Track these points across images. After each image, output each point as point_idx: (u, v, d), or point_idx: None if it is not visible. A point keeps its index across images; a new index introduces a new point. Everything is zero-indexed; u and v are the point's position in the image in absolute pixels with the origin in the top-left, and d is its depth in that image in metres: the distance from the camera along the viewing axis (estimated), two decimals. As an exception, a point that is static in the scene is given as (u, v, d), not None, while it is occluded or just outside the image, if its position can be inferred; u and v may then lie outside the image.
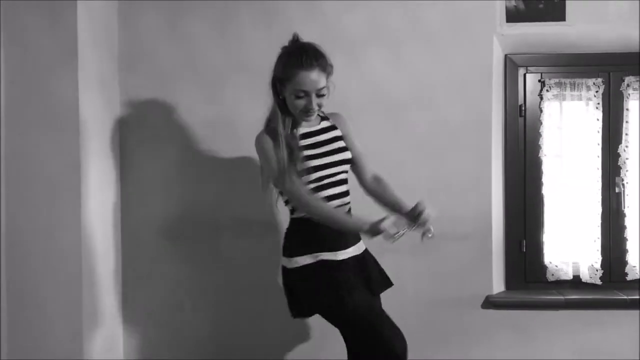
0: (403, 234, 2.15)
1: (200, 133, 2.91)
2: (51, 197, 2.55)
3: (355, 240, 2.37)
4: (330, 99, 2.81)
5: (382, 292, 2.43)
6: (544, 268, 3.04)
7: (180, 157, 2.92)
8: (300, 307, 2.28)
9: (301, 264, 2.26)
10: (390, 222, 2.14)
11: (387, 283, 2.45)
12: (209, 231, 2.92)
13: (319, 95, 2.23)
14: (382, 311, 2.31)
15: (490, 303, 2.91)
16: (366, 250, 2.43)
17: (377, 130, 2.89)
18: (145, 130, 2.92)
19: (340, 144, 2.37)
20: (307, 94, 2.21)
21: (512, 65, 3.02)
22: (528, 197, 3.04)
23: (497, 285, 2.97)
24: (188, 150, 2.91)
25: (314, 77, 2.19)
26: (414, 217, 2.22)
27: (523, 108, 3.04)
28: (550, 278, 3.02)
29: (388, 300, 2.88)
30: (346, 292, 2.21)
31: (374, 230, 2.14)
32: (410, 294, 2.91)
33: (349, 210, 2.38)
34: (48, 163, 2.55)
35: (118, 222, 2.93)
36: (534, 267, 3.04)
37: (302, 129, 2.33)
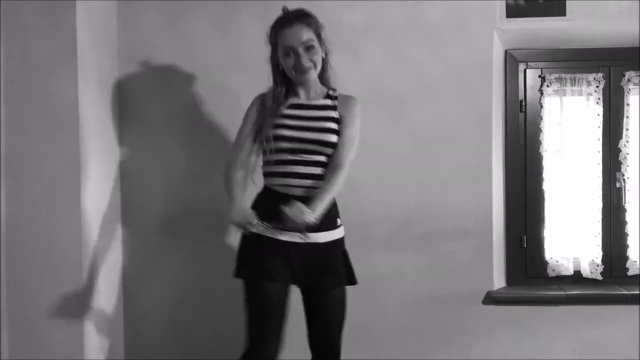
0: (256, 229, 2.16)
1: (200, 131, 2.90)
2: (51, 196, 2.55)
3: (317, 227, 2.21)
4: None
5: (325, 288, 2.28)
6: (544, 263, 3.04)
7: (180, 155, 2.92)
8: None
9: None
10: (241, 215, 2.15)
11: (338, 282, 2.29)
12: (209, 228, 2.91)
13: (308, 49, 2.23)
14: (281, 311, 2.23)
15: (491, 299, 2.91)
16: (333, 243, 2.30)
17: (377, 126, 2.89)
18: (145, 129, 2.92)
19: (327, 125, 2.27)
20: (294, 50, 2.22)
21: (512, 61, 3.02)
22: (528, 192, 3.04)
23: (498, 281, 2.98)
24: (188, 148, 2.91)
25: (296, 31, 2.21)
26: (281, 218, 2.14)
27: (523, 103, 3.03)
28: (551, 273, 3.02)
29: (389, 297, 2.91)
30: (255, 276, 2.21)
31: (231, 219, 2.18)
32: (410, 290, 2.91)
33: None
34: (48, 162, 2.55)
35: (118, 219, 2.93)
36: (534, 262, 3.05)
37: (297, 100, 2.31)
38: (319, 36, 2.27)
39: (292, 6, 2.71)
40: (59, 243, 2.56)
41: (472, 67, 2.89)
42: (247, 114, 2.35)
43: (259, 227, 2.16)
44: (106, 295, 2.79)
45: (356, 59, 2.89)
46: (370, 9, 2.88)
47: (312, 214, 2.10)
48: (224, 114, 2.88)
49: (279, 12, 2.83)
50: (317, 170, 2.26)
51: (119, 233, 2.94)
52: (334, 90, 2.37)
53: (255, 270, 2.21)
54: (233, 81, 2.87)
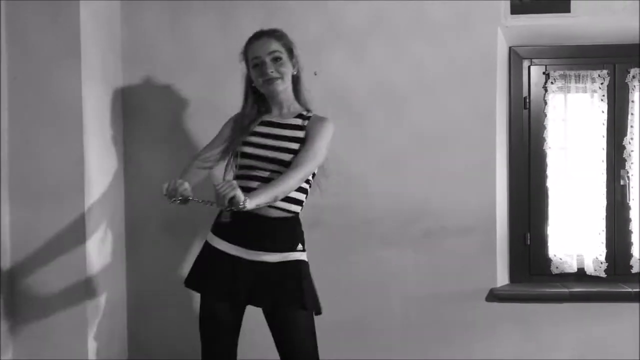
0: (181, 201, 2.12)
1: (202, 128, 2.90)
2: (55, 193, 2.55)
3: (272, 246, 2.22)
4: (332, 92, 2.83)
5: (277, 308, 2.22)
6: (548, 261, 3.03)
7: (183, 152, 2.90)
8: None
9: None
10: (173, 183, 2.13)
11: (286, 303, 2.20)
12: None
13: (274, 60, 2.26)
14: (230, 332, 2.30)
15: (495, 296, 2.91)
16: (286, 264, 2.23)
17: (380, 123, 2.89)
18: (148, 126, 2.92)
19: (287, 144, 2.25)
20: (261, 60, 2.26)
21: (516, 58, 3.01)
22: (532, 189, 3.03)
23: (502, 278, 2.97)
24: (190, 145, 2.90)
25: (263, 43, 2.27)
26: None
27: (527, 100, 3.02)
28: (555, 271, 3.02)
29: (391, 294, 2.91)
30: (203, 291, 2.29)
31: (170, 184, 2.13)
32: (414, 287, 2.91)
33: (293, 220, 2.29)
34: (51, 159, 2.54)
35: (122, 216, 2.93)
36: (538, 260, 3.04)
37: (269, 117, 2.33)
38: (289, 51, 2.31)
39: (292, 6, 2.74)
40: (62, 238, 2.55)
41: (476, 64, 2.88)
42: (220, 130, 2.42)
43: (189, 200, 2.12)
44: (110, 295, 2.79)
45: (359, 57, 2.88)
46: (374, 7, 2.88)
47: (242, 195, 1.98)
48: (226, 113, 2.87)
49: (280, 8, 2.86)
50: (257, 185, 2.22)
51: (122, 228, 2.94)
52: (308, 110, 2.35)
53: (204, 285, 2.27)
54: (235, 80, 2.85)
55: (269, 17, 2.83)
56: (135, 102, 2.92)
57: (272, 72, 2.25)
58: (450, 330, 2.93)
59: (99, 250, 2.69)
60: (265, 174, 2.24)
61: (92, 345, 2.62)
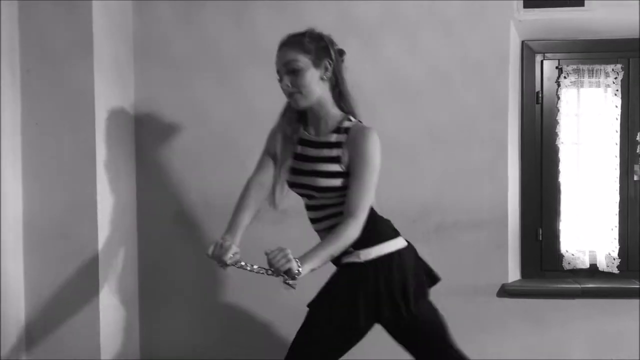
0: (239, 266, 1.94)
1: (215, 121, 2.90)
2: (67, 186, 2.56)
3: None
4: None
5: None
6: (560, 257, 3.02)
7: (195, 146, 2.92)
8: None
9: None
10: (216, 249, 1.93)
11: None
12: (224, 219, 2.91)
13: (291, 72, 2.01)
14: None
15: (506, 292, 2.90)
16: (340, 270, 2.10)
17: (392, 117, 2.88)
18: (160, 120, 2.93)
19: (318, 167, 2.02)
20: (279, 75, 2.05)
21: (529, 52, 2.99)
22: (544, 185, 3.02)
23: (513, 274, 2.96)
24: (203, 139, 2.91)
25: (281, 53, 2.04)
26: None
27: (540, 95, 3.00)
28: (567, 267, 3.00)
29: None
30: None
31: (216, 247, 1.95)
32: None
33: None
34: (64, 152, 2.56)
35: (133, 211, 2.94)
36: (550, 255, 3.02)
37: (306, 135, 2.11)
38: (315, 55, 2.02)
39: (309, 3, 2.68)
40: (75, 232, 2.57)
41: (488, 59, 2.86)
42: (266, 147, 2.20)
43: (240, 266, 1.94)
44: (122, 294, 2.80)
45: (371, 51, 2.87)
46: (386, 1, 2.86)
47: (297, 264, 1.83)
48: (239, 107, 2.88)
49: (291, 6, 2.84)
50: (323, 214, 2.07)
51: (134, 225, 2.95)
52: (349, 120, 2.06)
53: None
54: (248, 74, 2.86)
55: (281, 12, 2.83)
56: (147, 95, 2.92)
57: (287, 86, 2.02)
58: (461, 325, 2.86)
59: (110, 247, 2.70)
60: (317, 202, 2.06)
61: (104, 345, 2.63)
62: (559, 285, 2.91)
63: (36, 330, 2.60)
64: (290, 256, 1.83)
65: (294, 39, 2.04)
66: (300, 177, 2.07)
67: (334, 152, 2.02)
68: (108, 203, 2.68)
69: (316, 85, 2.03)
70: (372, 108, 2.88)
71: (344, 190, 2.00)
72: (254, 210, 2.13)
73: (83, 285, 2.59)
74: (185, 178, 2.94)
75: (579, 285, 2.89)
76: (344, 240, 1.94)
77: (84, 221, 2.56)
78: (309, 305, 2.10)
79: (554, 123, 3.00)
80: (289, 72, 2.02)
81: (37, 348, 2.60)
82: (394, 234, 2.13)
